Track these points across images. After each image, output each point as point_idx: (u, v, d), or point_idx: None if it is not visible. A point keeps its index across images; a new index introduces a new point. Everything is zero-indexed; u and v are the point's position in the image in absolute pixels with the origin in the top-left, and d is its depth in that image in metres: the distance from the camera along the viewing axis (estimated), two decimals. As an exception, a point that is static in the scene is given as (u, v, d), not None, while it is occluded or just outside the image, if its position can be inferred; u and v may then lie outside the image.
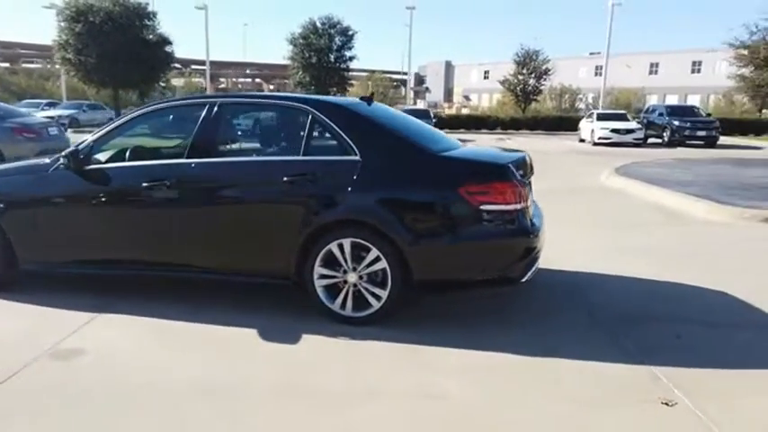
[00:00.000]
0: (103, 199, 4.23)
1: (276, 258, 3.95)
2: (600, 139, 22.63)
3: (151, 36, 26.37)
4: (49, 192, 4.32)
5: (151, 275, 4.31)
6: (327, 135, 3.99)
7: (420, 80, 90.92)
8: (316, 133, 4.00)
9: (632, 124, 23.35)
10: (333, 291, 3.89)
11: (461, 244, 3.68)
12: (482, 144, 22.31)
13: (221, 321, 3.91)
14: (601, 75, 67.54)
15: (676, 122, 22.97)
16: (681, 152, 19.67)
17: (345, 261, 3.81)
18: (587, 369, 3.27)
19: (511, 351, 3.47)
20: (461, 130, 30.69)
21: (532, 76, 35.70)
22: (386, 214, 3.71)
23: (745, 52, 27.82)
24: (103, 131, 4.37)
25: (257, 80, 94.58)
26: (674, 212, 8.00)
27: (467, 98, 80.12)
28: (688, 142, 22.77)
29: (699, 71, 65.57)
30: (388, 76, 62.11)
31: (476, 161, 4.00)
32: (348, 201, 3.78)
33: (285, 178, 3.87)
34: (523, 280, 3.76)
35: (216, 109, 4.16)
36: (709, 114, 25.02)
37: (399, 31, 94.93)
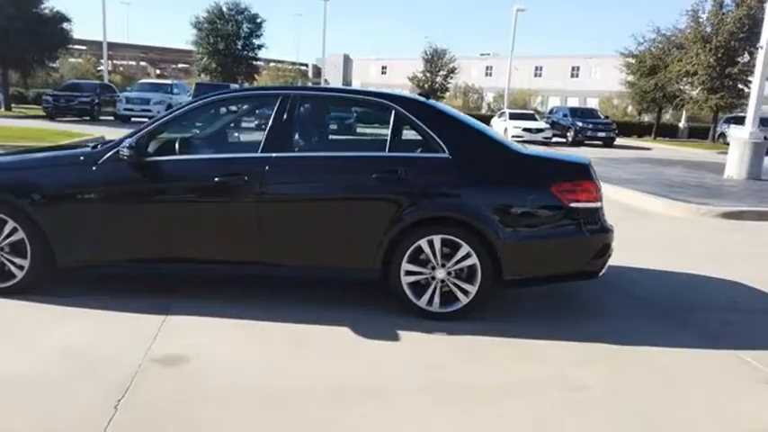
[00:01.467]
0: (167, 194, 3.96)
1: (362, 255, 3.91)
2: (513, 137, 23.81)
3: (47, 11, 24.07)
4: (99, 185, 3.97)
5: (214, 273, 4.10)
6: (413, 132, 3.99)
7: (318, 72, 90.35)
8: (401, 129, 3.99)
9: (542, 124, 24.84)
10: (418, 287, 3.91)
11: (552, 240, 3.86)
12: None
13: (308, 319, 3.81)
14: (491, 75, 71.09)
15: (579, 123, 24.77)
16: (588, 151, 21.22)
17: (434, 257, 3.85)
18: (683, 355, 3.56)
19: (603, 340, 3.70)
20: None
21: (440, 74, 36.67)
22: (479, 211, 3.80)
23: (633, 61, 30.40)
24: (160, 122, 4.07)
25: (142, 63, 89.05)
26: (635, 209, 8.71)
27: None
28: (588, 142, 24.62)
29: (577, 75, 70.65)
30: (289, 67, 60.97)
31: (565, 160, 4.18)
32: (439, 198, 3.83)
33: (374, 175, 3.83)
34: (600, 274, 4.01)
35: (291, 102, 4.01)
36: (606, 117, 27.17)
37: (292, 22, 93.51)
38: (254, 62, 37.92)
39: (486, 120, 31.50)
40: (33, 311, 3.82)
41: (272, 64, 51.27)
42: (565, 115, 26.09)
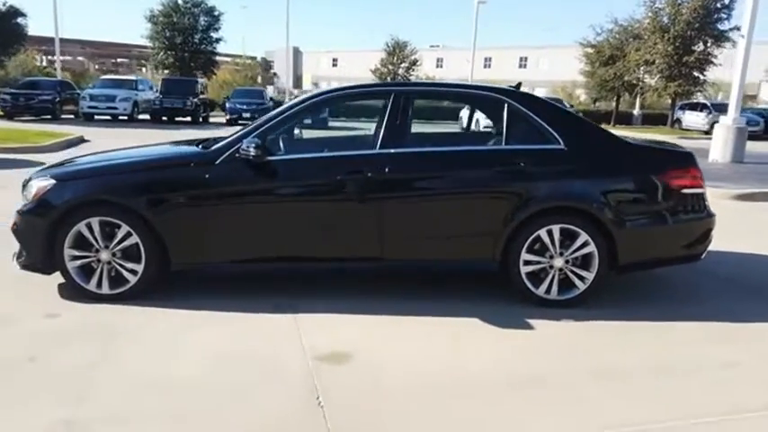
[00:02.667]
0: (289, 192, 3.96)
1: (482, 247, 4.01)
2: (484, 128, 24.22)
3: (1, 6, 22.87)
4: (218, 185, 3.92)
5: (333, 270, 4.12)
6: (526, 124, 4.10)
7: (267, 66, 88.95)
8: (514, 122, 4.09)
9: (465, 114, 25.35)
10: (534, 276, 4.04)
11: (662, 225, 4.05)
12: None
13: (440, 312, 3.89)
14: (442, 67, 71.85)
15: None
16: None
17: (553, 246, 3.99)
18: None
19: (717, 320, 3.93)
20: (342, 119, 30.85)
21: (402, 66, 36.83)
22: (596, 200, 3.95)
23: (592, 51, 31.36)
24: (275, 120, 4.05)
25: (79, 58, 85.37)
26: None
27: (316, 85, 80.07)
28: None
29: (525, 66, 72.15)
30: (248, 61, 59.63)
31: (672, 149, 4.38)
32: (559, 188, 3.97)
33: (494, 167, 3.94)
34: (702, 257, 4.24)
35: (404, 98, 4.06)
36: (572, 106, 27.92)
37: (236, 15, 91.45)
38: (214, 56, 37.04)
39: (452, 111, 31.92)
40: (161, 316, 3.76)
41: (228, 58, 50.18)
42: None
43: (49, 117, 21.73)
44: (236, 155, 3.89)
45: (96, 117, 22.49)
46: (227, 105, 24.01)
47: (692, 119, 27.72)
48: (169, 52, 35.11)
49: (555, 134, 4.01)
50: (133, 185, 3.91)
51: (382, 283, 4.40)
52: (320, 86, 78.47)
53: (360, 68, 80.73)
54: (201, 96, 24.50)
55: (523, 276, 4.02)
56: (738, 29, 26.57)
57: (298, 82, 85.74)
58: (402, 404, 2.81)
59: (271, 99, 27.68)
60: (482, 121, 14.47)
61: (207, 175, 3.91)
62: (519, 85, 4.60)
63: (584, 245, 3.97)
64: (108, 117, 22.74)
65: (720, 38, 26.02)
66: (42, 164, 10.41)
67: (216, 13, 35.71)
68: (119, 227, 3.88)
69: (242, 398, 2.82)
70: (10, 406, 2.69)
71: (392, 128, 4.00)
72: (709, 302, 4.28)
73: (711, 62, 26.55)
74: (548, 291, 4.04)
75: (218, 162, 3.92)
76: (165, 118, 22.94)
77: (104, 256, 3.91)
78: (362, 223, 3.96)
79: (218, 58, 38.43)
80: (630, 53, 28.06)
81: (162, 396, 2.81)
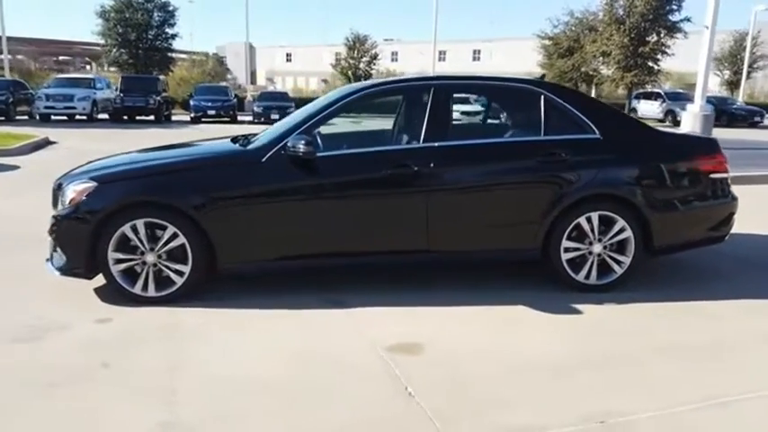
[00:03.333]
0: (337, 188, 3.98)
1: (524, 236, 4.12)
2: (462, 113, 24.51)
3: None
4: (265, 182, 3.90)
5: (376, 264, 4.17)
6: (562, 115, 4.21)
7: (219, 61, 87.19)
8: (550, 113, 4.20)
9: (479, 107, 25.66)
10: (574, 262, 4.18)
11: (693, 209, 4.25)
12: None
13: (487, 301, 4.00)
14: (397, 60, 72.09)
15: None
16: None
17: (592, 233, 4.13)
18: None
19: (749, 297, 4.16)
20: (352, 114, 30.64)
21: (363, 60, 36.81)
22: (633, 187, 4.12)
23: (549, 43, 32.10)
24: (320, 116, 4.06)
25: (20, 57, 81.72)
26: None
27: (270, 81, 79.07)
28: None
29: (479, 59, 73.08)
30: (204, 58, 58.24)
31: (699, 137, 4.58)
32: (597, 176, 4.11)
33: (536, 158, 4.05)
34: (725, 238, 4.46)
35: (445, 91, 4.13)
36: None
37: (184, 9, 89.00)
38: (169, 53, 36.14)
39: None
40: (216, 317, 3.74)
41: (184, 55, 49.05)
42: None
43: (2, 119, 20.83)
44: (282, 152, 3.88)
45: (53, 117, 21.67)
46: (192, 103, 23.52)
47: (647, 108, 28.68)
48: (122, 50, 34.07)
49: (590, 124, 4.15)
50: (180, 185, 3.85)
51: (423, 275, 4.48)
52: (275, 82, 77.66)
53: (314, 63, 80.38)
54: (164, 94, 23.89)
55: (564, 263, 4.15)
56: (689, 20, 27.81)
57: (252, 77, 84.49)
58: (492, 389, 2.89)
59: (235, 96, 27.23)
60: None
61: (254, 173, 3.89)
62: (543, 76, 4.71)
63: (621, 230, 4.13)
64: (65, 117, 21.95)
65: (673, 29, 27.04)
66: (16, 167, 10.10)
67: (170, 9, 34.83)
68: (164, 228, 3.82)
69: (331, 392, 2.84)
70: (103, 413, 2.65)
71: (434, 121, 4.06)
72: (736, 280, 4.52)
73: (665, 52, 27.57)
74: (587, 276, 4.19)
75: (264, 160, 3.90)
76: (125, 117, 22.28)
77: (150, 258, 3.85)
78: (409, 216, 4.01)
79: (173, 54, 37.47)
80: (587, 45, 28.83)
81: (252, 395, 2.81)
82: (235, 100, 25.06)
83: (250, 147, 4.04)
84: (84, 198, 3.82)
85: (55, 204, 4.14)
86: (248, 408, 2.70)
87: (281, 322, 3.68)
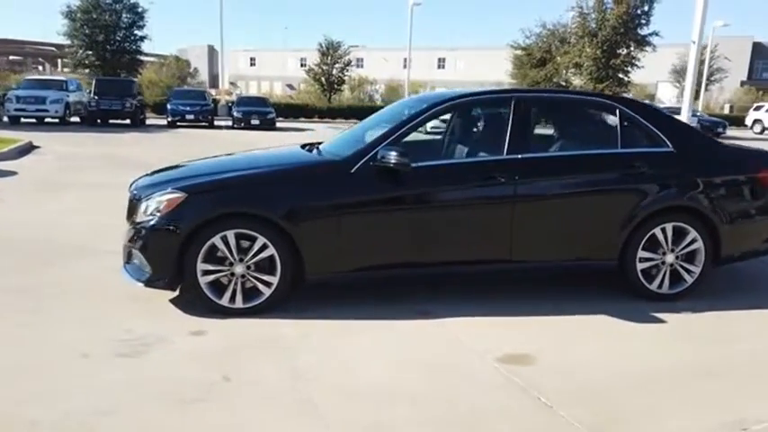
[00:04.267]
0: (427, 198, 4.01)
1: (604, 246, 4.21)
2: (431, 127, 24.67)
3: None
4: (355, 192, 3.90)
5: (461, 274, 4.20)
6: (637, 128, 4.34)
7: (188, 63, 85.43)
8: (625, 127, 4.32)
9: (442, 125, 25.94)
10: (647, 272, 4.29)
11: (756, 219, 4.43)
12: (321, 134, 22.83)
13: (568, 311, 4.07)
14: (362, 67, 72.31)
15: (490, 113, 26.29)
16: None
17: (666, 243, 4.26)
18: None
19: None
20: (279, 119, 30.43)
21: (336, 66, 36.76)
22: (704, 199, 4.27)
23: (521, 53, 32.76)
24: (407, 126, 4.07)
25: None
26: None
27: (233, 85, 78.10)
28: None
29: (443, 67, 74.02)
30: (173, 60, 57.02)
31: (760, 150, 4.75)
32: (672, 188, 4.24)
33: (616, 170, 4.17)
34: (783, 248, 4.66)
35: (525, 104, 4.20)
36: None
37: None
38: (138, 55, 35.32)
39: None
40: (310, 328, 3.69)
41: (152, 58, 48.00)
42: (475, 106, 27.49)
43: (-31, 122, 20.00)
44: (371, 163, 3.88)
45: (23, 120, 20.89)
46: (169, 107, 23.03)
47: (617, 118, 29.57)
48: (89, 51, 33.14)
49: (663, 137, 4.29)
50: (272, 196, 3.81)
51: (498, 285, 4.51)
52: (238, 86, 76.70)
53: (279, 68, 79.77)
54: (139, 97, 23.35)
55: (639, 273, 4.26)
56: (657, 34, 28.89)
57: (214, 81, 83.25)
58: (625, 398, 2.94)
59: (213, 100, 26.81)
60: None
61: (343, 184, 3.88)
62: (603, 89, 4.83)
63: (693, 241, 4.27)
64: (34, 120, 21.20)
65: (642, 42, 27.97)
66: (13, 173, 9.70)
67: (139, 10, 34.07)
68: (252, 239, 3.76)
69: (471, 405, 2.85)
70: (252, 427, 2.59)
71: (516, 133, 4.12)
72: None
73: (635, 64, 28.49)
74: (660, 286, 4.31)
75: (353, 171, 3.89)
76: (98, 120, 21.68)
77: (239, 269, 3.78)
78: (494, 227, 4.06)
79: (142, 57, 36.65)
80: (558, 56, 29.55)
81: (391, 406, 2.79)
82: (212, 105, 24.65)
83: (340, 158, 4.02)
84: (173, 209, 3.73)
85: (131, 214, 4.02)
86: (396, 419, 2.69)
87: (379, 333, 3.66)
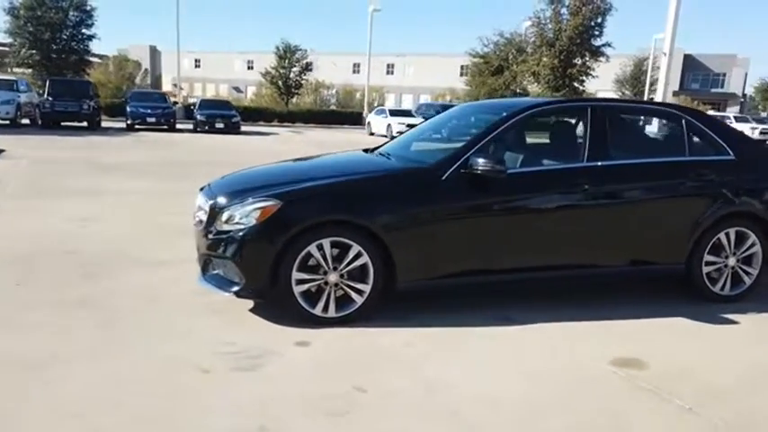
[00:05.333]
0: (516, 205, 4.03)
1: (674, 251, 4.34)
2: (398, 132, 24.86)
3: None
4: (449, 200, 3.87)
5: (545, 279, 4.24)
6: (701, 137, 4.50)
7: (138, 64, 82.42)
8: (693, 135, 4.48)
9: (419, 120, 26.19)
10: (710, 275, 4.46)
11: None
12: (285, 137, 22.62)
13: (645, 314, 4.17)
14: (311, 71, 71.93)
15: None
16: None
17: (729, 247, 4.43)
18: None
19: None
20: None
21: (293, 70, 36.44)
22: (763, 204, 4.46)
23: (479, 60, 33.41)
24: (489, 136, 4.06)
25: None
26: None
27: (177, 87, 76.07)
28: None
29: (392, 73, 74.61)
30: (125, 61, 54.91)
31: None
32: (736, 194, 4.41)
33: (686, 177, 4.32)
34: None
35: (600, 113, 4.29)
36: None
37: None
38: (86, 55, 33.93)
39: (350, 117, 32.45)
40: (413, 338, 3.63)
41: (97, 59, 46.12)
42: (437, 111, 27.75)
43: None
44: (462, 170, 3.87)
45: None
46: (129, 109, 22.19)
47: (572, 125, 30.63)
48: (33, 50, 31.60)
49: (725, 145, 4.47)
50: (367, 204, 3.74)
51: (561, 292, 4.56)
52: (182, 88, 74.73)
53: (225, 71, 78.28)
54: (96, 99, 22.42)
55: (704, 276, 4.41)
56: (610, 45, 30.08)
57: (157, 82, 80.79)
58: (754, 398, 3.03)
59: (174, 103, 26.04)
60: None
61: (434, 191, 3.86)
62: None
63: (753, 245, 4.46)
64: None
65: (596, 53, 29.05)
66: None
67: (87, 9, 32.77)
68: (347, 247, 3.68)
69: (605, 411, 2.87)
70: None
71: (594, 141, 4.20)
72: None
73: (589, 74, 29.55)
74: (722, 288, 4.47)
75: (444, 177, 3.86)
76: (52, 123, 20.66)
77: (333, 278, 3.69)
78: (578, 232, 4.12)
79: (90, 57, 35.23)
80: (516, 65, 30.32)
81: (539, 417, 2.78)
82: (174, 107, 23.94)
83: (428, 164, 4.00)
84: (269, 217, 3.60)
85: (210, 223, 3.86)
86: (551, 429, 2.68)
87: (476, 341, 3.64)
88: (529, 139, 4.56)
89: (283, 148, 18.20)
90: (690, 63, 60.74)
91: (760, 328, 4.06)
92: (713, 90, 60.17)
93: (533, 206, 4.07)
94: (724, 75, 60.92)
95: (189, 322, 3.72)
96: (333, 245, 3.67)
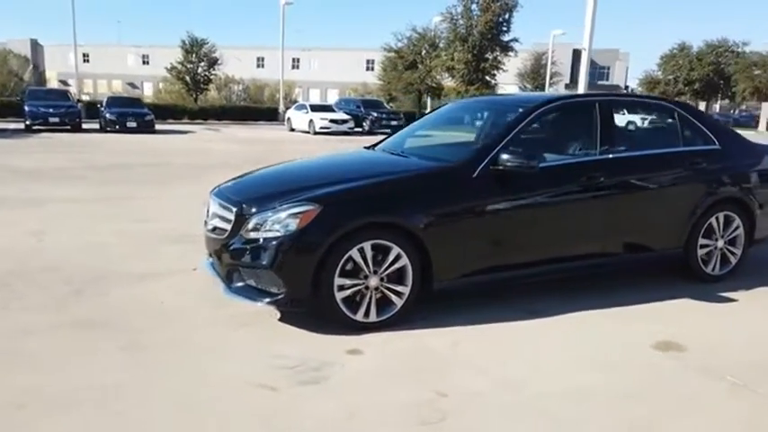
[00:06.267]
0: (545, 197, 4.09)
1: (675, 236, 4.59)
2: (321, 128, 24.60)
3: None
4: (479, 196, 3.86)
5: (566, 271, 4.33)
6: (692, 128, 4.77)
7: (26, 59, 75.61)
8: (685, 127, 4.74)
9: (344, 115, 26.02)
10: (703, 257, 4.75)
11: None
12: (206, 135, 21.82)
13: (651, 298, 4.36)
14: (220, 65, 69.67)
15: (374, 114, 26.79)
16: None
17: (719, 230, 4.75)
18: None
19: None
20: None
21: (201, 65, 35.06)
22: (746, 190, 4.82)
23: (393, 55, 33.71)
24: (512, 132, 4.07)
25: None
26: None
27: (64, 84, 71.04)
28: (379, 131, 26.67)
29: (298, 67, 73.79)
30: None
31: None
32: (724, 181, 4.73)
33: (685, 166, 4.58)
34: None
35: (607, 106, 4.45)
36: (391, 106, 29.75)
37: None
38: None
39: (265, 112, 31.68)
40: (452, 336, 3.61)
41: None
42: (357, 106, 27.81)
43: None
44: (491, 167, 3.87)
45: None
46: (27, 109, 20.39)
47: (485, 117, 31.62)
48: None
49: (711, 135, 4.77)
50: (405, 204, 3.67)
51: (573, 282, 4.67)
52: (70, 84, 69.91)
53: (118, 66, 73.95)
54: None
55: (699, 259, 4.70)
56: (517, 40, 31.33)
57: (40, 78, 74.89)
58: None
59: (78, 100, 24.21)
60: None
61: (467, 188, 3.85)
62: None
63: (737, 227, 4.80)
64: None
65: (506, 48, 30.16)
66: None
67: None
68: (387, 249, 3.59)
69: (670, 395, 2.97)
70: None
71: (604, 134, 4.34)
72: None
73: (500, 68, 30.63)
74: (713, 268, 4.79)
75: (475, 175, 3.85)
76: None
77: (374, 281, 3.59)
78: (593, 223, 4.25)
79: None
80: (430, 60, 30.88)
81: (617, 406, 2.85)
82: (78, 106, 22.29)
83: (455, 163, 3.98)
84: (310, 222, 3.43)
85: (236, 230, 3.63)
86: (637, 418, 2.74)
87: (517, 334, 3.68)
88: (541, 135, 4.63)
89: (214, 146, 17.47)
90: (578, 57, 64.44)
91: (758, 302, 4.38)
92: (599, 82, 64.33)
93: (559, 199, 4.14)
94: (608, 68, 65.45)
95: (222, 337, 3.49)
96: (373, 248, 3.56)
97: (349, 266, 3.53)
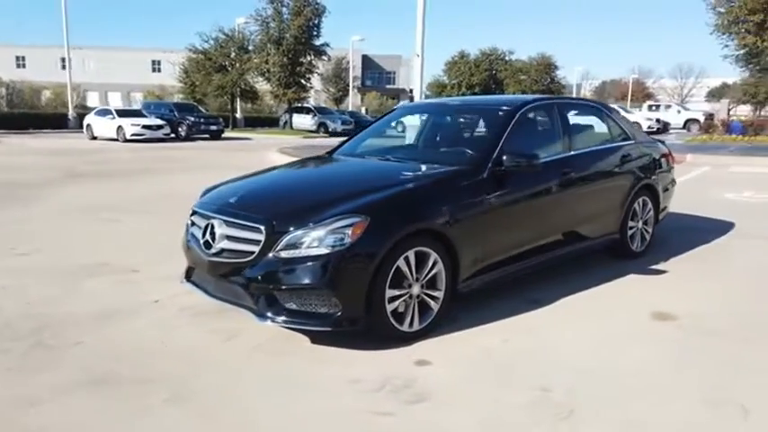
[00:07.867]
0: (539, 192, 4.38)
1: (615, 222, 5.20)
2: (133, 135, 22.54)
3: None
4: (492, 196, 3.98)
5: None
6: (616, 125, 5.45)
7: None
8: (612, 125, 5.38)
9: (158, 120, 24.05)
10: (631, 237, 5.48)
11: (670, 188, 5.99)
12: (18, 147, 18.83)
13: (601, 279, 4.93)
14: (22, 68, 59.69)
15: (191, 118, 25.25)
16: (212, 145, 22.12)
17: (640, 212, 5.51)
18: None
19: None
20: None
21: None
22: (656, 176, 5.65)
23: (200, 56, 32.09)
24: (506, 134, 4.26)
25: None
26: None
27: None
28: (197, 136, 25.34)
29: (159, 70, 66.78)
30: None
31: (662, 141, 6.24)
32: (645, 170, 5.48)
33: (621, 158, 5.23)
34: (668, 210, 6.39)
35: (561, 108, 4.90)
36: (207, 110, 28.18)
37: None
38: None
39: (51, 120, 28.13)
40: (500, 333, 3.70)
41: None
42: (171, 110, 25.90)
43: None
44: (498, 167, 4.03)
45: None
46: None
47: (301, 120, 31.76)
48: None
49: (627, 132, 5.50)
50: (438, 210, 3.64)
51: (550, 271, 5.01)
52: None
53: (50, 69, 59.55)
54: None
55: (629, 239, 5.39)
56: (328, 45, 31.78)
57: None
58: None
59: None
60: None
61: (483, 188, 3.96)
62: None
63: (650, 209, 5.62)
64: None
65: (319, 51, 30.50)
66: None
67: None
68: (426, 255, 3.57)
69: (714, 360, 3.42)
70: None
71: (566, 133, 4.77)
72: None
73: (315, 72, 30.88)
74: (637, 246, 5.53)
75: (485, 176, 3.98)
76: None
77: (416, 289, 3.54)
78: (563, 214, 4.65)
79: None
80: (241, 63, 30.03)
81: (649, 380, 3.21)
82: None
83: (465, 165, 4.07)
84: (362, 234, 3.25)
85: (266, 251, 3.30)
86: (670, 387, 3.10)
87: (548, 323, 3.88)
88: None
89: (17, 160, 14.97)
90: (367, 63, 68.16)
91: (688, 270, 5.16)
92: (387, 86, 68.63)
93: (551, 191, 4.46)
94: (394, 73, 70.25)
95: (271, 372, 3.14)
96: (415, 255, 3.49)
97: (405, 274, 3.44)
